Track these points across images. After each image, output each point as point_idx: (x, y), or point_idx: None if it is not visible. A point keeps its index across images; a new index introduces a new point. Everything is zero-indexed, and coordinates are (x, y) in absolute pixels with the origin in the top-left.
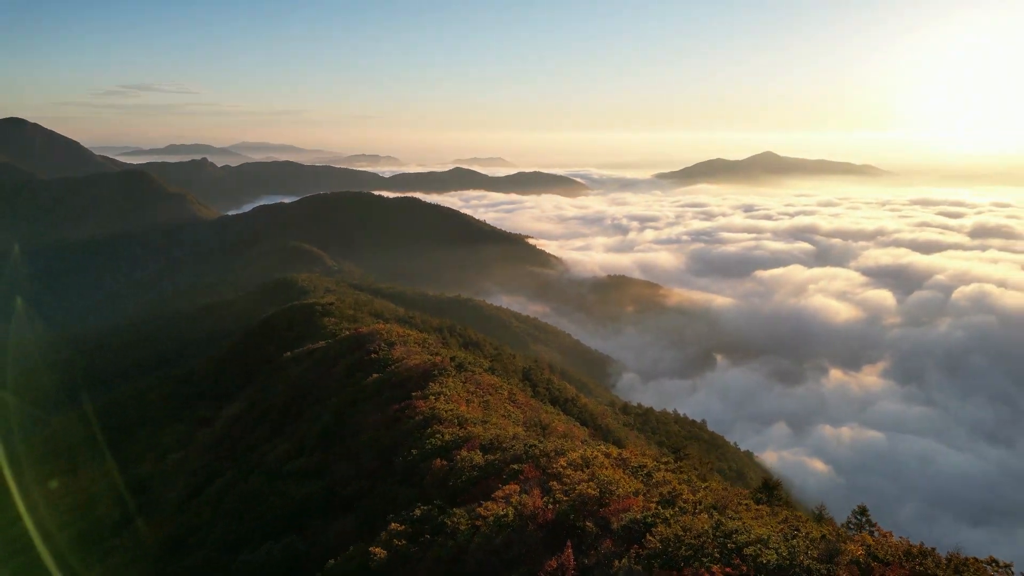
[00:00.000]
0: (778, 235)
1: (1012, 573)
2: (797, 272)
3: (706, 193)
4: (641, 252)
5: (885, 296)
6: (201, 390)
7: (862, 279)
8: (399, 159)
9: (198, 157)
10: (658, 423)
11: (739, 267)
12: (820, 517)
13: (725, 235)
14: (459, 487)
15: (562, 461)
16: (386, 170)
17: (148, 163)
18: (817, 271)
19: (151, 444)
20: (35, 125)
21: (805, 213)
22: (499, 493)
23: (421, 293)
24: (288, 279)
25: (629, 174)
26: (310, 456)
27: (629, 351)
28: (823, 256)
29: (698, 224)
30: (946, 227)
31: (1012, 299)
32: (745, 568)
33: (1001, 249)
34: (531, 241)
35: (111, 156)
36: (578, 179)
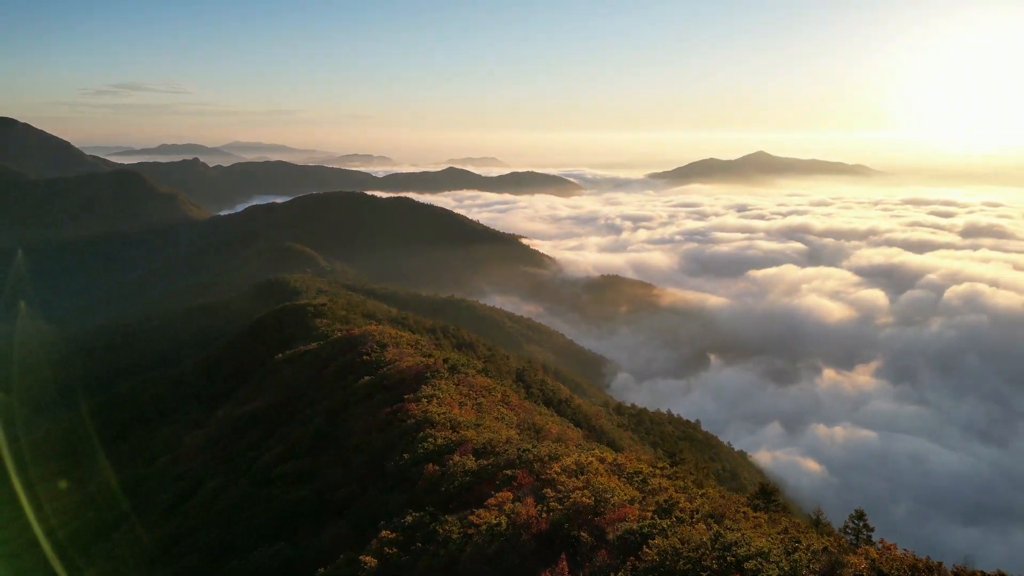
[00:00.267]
0: (771, 235)
1: None
2: (790, 272)
3: (699, 193)
4: (634, 252)
5: (878, 296)
6: (193, 392)
7: (855, 279)
8: (392, 159)
9: (190, 157)
10: (652, 424)
11: (732, 267)
12: (817, 522)
13: (718, 235)
14: (451, 493)
15: (556, 467)
16: (379, 170)
17: (140, 163)
18: (810, 271)
19: (142, 446)
20: (25, 125)
21: (798, 213)
22: (492, 500)
23: (414, 294)
24: (280, 280)
25: (622, 174)
26: (301, 460)
27: (623, 351)
28: (816, 256)
29: (691, 224)
30: (938, 227)
31: (1004, 298)
32: None
33: (992, 248)
34: (525, 241)
35: (102, 156)
36: (571, 179)
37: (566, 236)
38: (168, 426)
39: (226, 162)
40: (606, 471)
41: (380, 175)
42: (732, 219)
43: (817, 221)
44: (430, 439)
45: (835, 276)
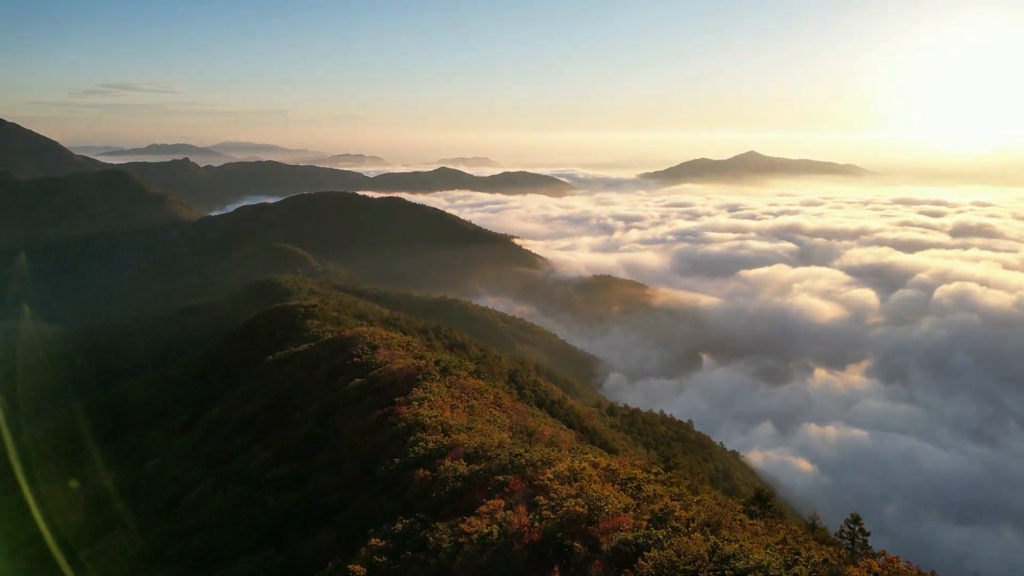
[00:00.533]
0: (762, 234)
1: None
2: (781, 271)
3: (691, 193)
4: (626, 252)
5: (868, 295)
6: (181, 394)
7: (846, 278)
8: (384, 159)
9: (180, 157)
10: (645, 424)
11: (724, 267)
12: (813, 527)
13: (710, 235)
14: (443, 498)
15: (549, 473)
16: (371, 170)
17: (129, 163)
18: (801, 270)
19: (130, 450)
20: (14, 125)
21: (789, 212)
22: (483, 508)
23: (406, 294)
24: (271, 280)
25: (614, 174)
26: (291, 464)
27: (615, 351)
28: (807, 255)
29: (683, 224)
30: (928, 226)
31: (994, 298)
32: None
33: (982, 248)
34: (517, 241)
35: (91, 156)
36: (563, 179)
37: (558, 236)
38: (157, 429)
39: (217, 162)
40: (600, 477)
41: (372, 175)
42: (724, 219)
43: (808, 221)
44: (421, 443)
45: (826, 276)
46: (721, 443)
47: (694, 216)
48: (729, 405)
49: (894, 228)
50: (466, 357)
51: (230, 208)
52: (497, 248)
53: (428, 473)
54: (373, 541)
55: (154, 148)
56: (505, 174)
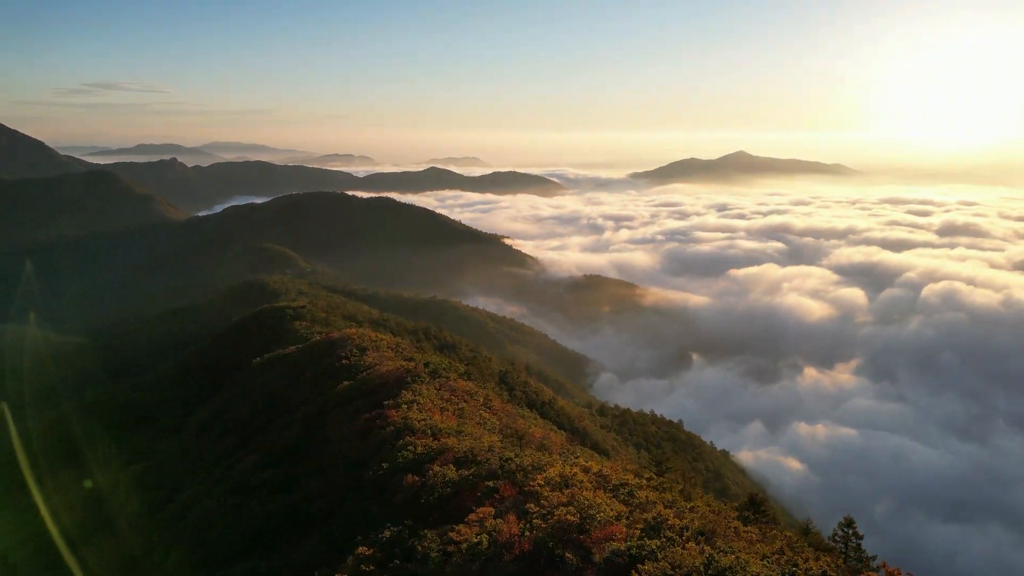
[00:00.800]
0: (751, 234)
1: None
2: (771, 271)
3: (680, 192)
4: (617, 252)
5: (857, 294)
6: (167, 397)
7: (834, 277)
8: (373, 159)
9: (167, 157)
10: (635, 424)
11: (713, 266)
12: (807, 531)
13: (699, 234)
14: (432, 504)
15: (539, 479)
16: (360, 170)
17: (116, 163)
18: (790, 270)
19: (114, 454)
20: None
21: (778, 212)
22: (473, 516)
23: (396, 295)
24: (259, 281)
25: (604, 174)
26: (278, 469)
27: (606, 351)
28: (796, 255)
29: (673, 223)
30: (915, 226)
31: (981, 297)
32: None
33: (969, 247)
34: (507, 241)
35: (77, 156)
36: (554, 179)
37: (548, 236)
38: (142, 432)
39: (205, 162)
40: (591, 483)
41: (361, 175)
42: (713, 219)
43: (797, 220)
44: (410, 447)
45: (815, 275)
46: (711, 442)
47: (684, 216)
48: (719, 404)
49: (882, 227)
50: (456, 358)
51: (218, 209)
52: (487, 248)
53: (417, 478)
54: (360, 550)
55: (141, 148)
56: (495, 174)
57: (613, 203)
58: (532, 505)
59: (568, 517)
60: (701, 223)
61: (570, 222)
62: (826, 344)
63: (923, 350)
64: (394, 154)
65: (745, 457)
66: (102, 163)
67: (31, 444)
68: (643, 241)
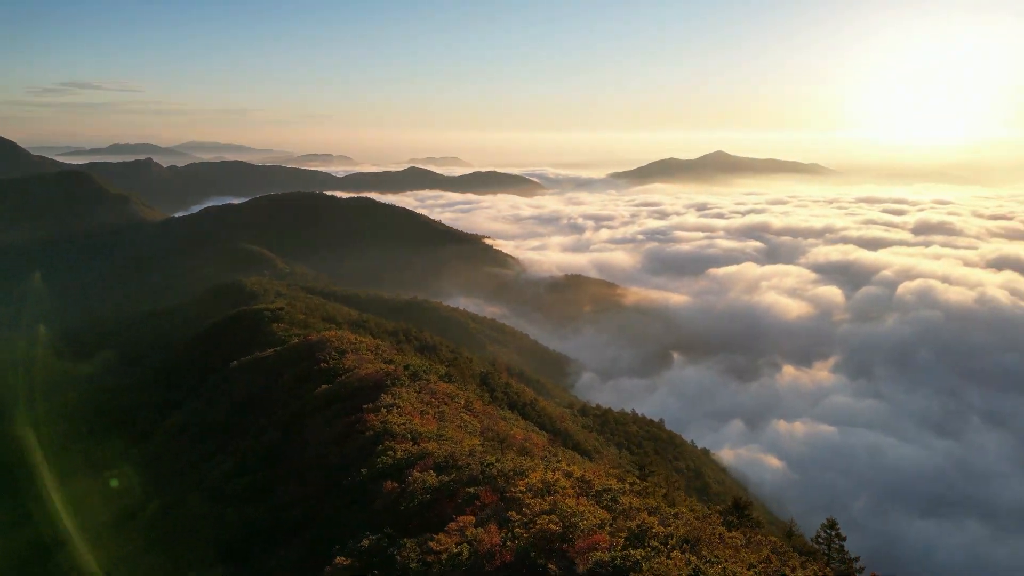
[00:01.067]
0: (730, 233)
1: None
2: (749, 270)
3: (660, 192)
4: (597, 251)
5: (834, 292)
6: (141, 401)
7: (812, 276)
8: (353, 159)
9: (143, 157)
10: (617, 424)
11: (693, 265)
12: (791, 534)
13: (679, 234)
14: (411, 512)
15: (521, 484)
16: (339, 170)
17: (90, 163)
18: (769, 268)
19: (86, 460)
20: None
21: (756, 211)
22: (453, 525)
23: (376, 296)
24: (237, 283)
25: (584, 173)
26: (254, 475)
27: (587, 350)
28: (774, 254)
29: (652, 223)
30: (891, 224)
31: (955, 294)
32: None
33: (943, 245)
34: (488, 241)
35: (50, 156)
36: (534, 179)
37: (529, 236)
38: (116, 437)
39: (181, 162)
40: (574, 490)
41: (340, 175)
42: (692, 218)
43: (775, 219)
44: (389, 452)
45: (793, 273)
46: (692, 441)
47: (663, 215)
48: (699, 403)
49: (858, 226)
50: (437, 360)
51: (194, 209)
52: (468, 248)
53: (396, 485)
54: (338, 560)
55: (116, 148)
56: (475, 174)
57: (593, 203)
58: (514, 513)
59: (551, 526)
60: (681, 222)
61: (550, 222)
62: (804, 342)
63: (899, 347)
64: (374, 154)
65: (726, 455)
66: (75, 163)
67: (2, 451)
68: (623, 241)
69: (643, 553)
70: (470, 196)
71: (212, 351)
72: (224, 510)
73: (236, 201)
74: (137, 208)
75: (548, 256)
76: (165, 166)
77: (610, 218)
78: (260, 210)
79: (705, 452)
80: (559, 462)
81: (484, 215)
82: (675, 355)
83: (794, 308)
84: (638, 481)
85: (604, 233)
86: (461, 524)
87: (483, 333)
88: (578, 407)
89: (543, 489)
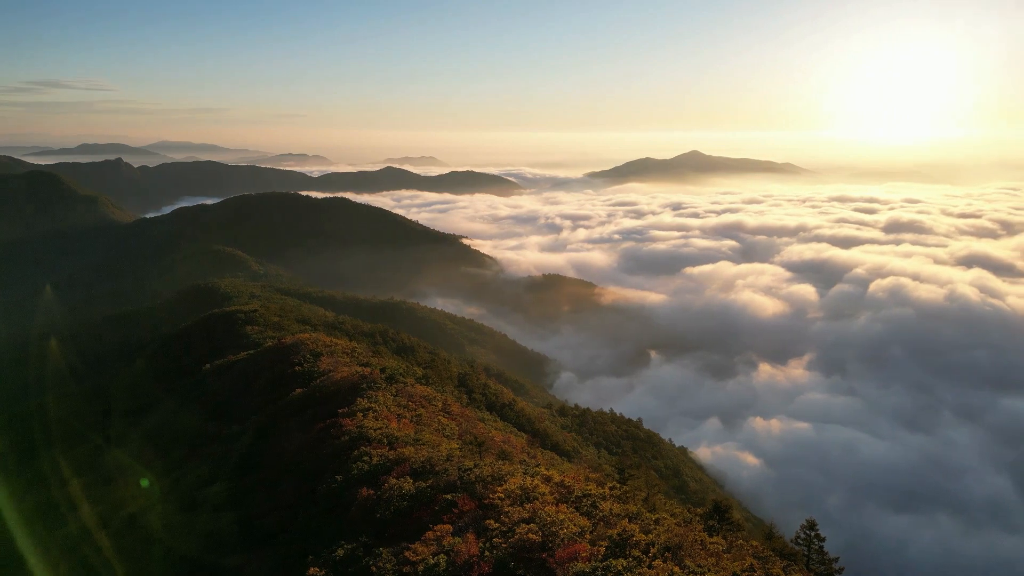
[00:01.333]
0: (706, 232)
1: None
2: (725, 268)
3: (636, 191)
4: (574, 251)
5: (808, 291)
6: (112, 407)
7: (787, 274)
8: (328, 158)
9: (113, 157)
10: (595, 424)
11: (669, 264)
12: (771, 535)
13: (655, 233)
14: (387, 519)
15: (500, 491)
16: (315, 170)
17: (58, 163)
18: (744, 267)
19: (53, 468)
20: None
21: (731, 211)
22: (430, 534)
23: (352, 297)
24: (210, 285)
25: (561, 173)
26: (227, 483)
27: (566, 350)
28: (749, 252)
29: (629, 223)
30: (862, 223)
31: (926, 292)
32: None
33: (914, 243)
34: (465, 241)
35: (17, 156)
36: (511, 178)
37: (506, 236)
38: (85, 444)
39: (152, 162)
40: (553, 496)
41: (316, 175)
42: (668, 217)
43: (749, 218)
44: (365, 458)
45: (768, 272)
46: (670, 439)
47: (639, 215)
48: (677, 401)
49: (831, 225)
50: (414, 362)
51: (167, 210)
52: (445, 248)
53: (372, 492)
54: (312, 570)
55: (85, 148)
56: (452, 174)
57: (570, 202)
58: (492, 521)
59: (530, 535)
60: (657, 222)
61: (528, 222)
62: (780, 340)
63: (872, 344)
64: (349, 154)
65: (703, 453)
66: (44, 163)
67: None
68: (600, 240)
69: (624, 563)
70: (447, 196)
71: (185, 355)
72: (196, 518)
73: (209, 202)
74: (107, 209)
75: (526, 256)
76: (136, 166)
77: (587, 218)
78: (234, 211)
79: (683, 450)
80: (538, 466)
81: (461, 215)
82: (652, 354)
83: (769, 306)
84: (618, 485)
85: (581, 233)
86: (438, 533)
87: (461, 334)
88: (557, 407)
89: (522, 496)
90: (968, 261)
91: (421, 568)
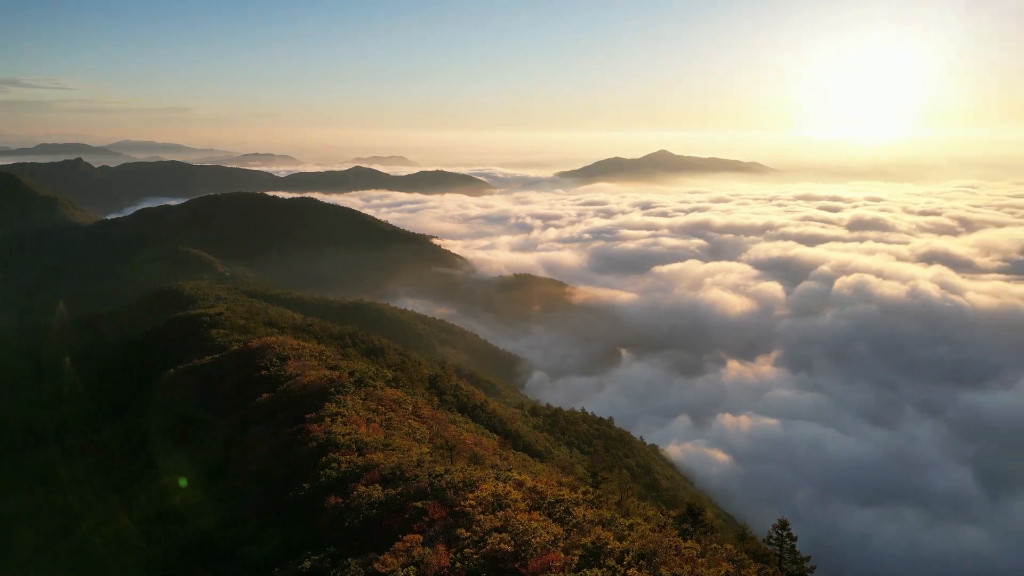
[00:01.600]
0: (674, 231)
1: None
2: (693, 267)
3: (605, 191)
4: (545, 251)
5: (775, 288)
6: (71, 414)
7: (754, 272)
8: (296, 158)
9: (73, 157)
10: (567, 424)
11: (639, 263)
12: (744, 536)
13: (625, 232)
14: (356, 528)
15: (471, 498)
16: (281, 169)
17: (16, 163)
18: (712, 265)
19: (12, 477)
20: None
21: (699, 210)
22: (400, 544)
23: (321, 298)
24: (175, 288)
25: (532, 173)
26: (192, 491)
27: (537, 350)
28: (717, 251)
29: (599, 222)
30: (827, 221)
31: (889, 288)
32: None
33: (877, 241)
34: (436, 241)
35: None
36: (481, 178)
37: (477, 236)
38: (44, 452)
39: (114, 162)
40: (525, 503)
41: (283, 175)
42: (637, 217)
43: (717, 217)
44: (333, 465)
45: (735, 270)
46: (641, 438)
47: (609, 214)
48: (647, 400)
49: (797, 223)
50: (384, 364)
51: (129, 211)
52: (415, 249)
53: (340, 500)
54: None
55: (44, 148)
56: (422, 173)
57: (541, 202)
58: (463, 530)
59: (502, 545)
60: (626, 221)
61: (498, 221)
62: (748, 337)
63: (837, 341)
64: (317, 153)
65: (673, 451)
66: (1, 164)
67: None
68: (570, 240)
69: (599, 573)
70: (417, 196)
71: (147, 360)
72: (159, 530)
73: (173, 202)
74: (67, 210)
75: (497, 256)
76: (97, 166)
77: (557, 217)
78: (198, 211)
79: (654, 448)
80: (510, 470)
81: (432, 215)
82: (623, 352)
83: (737, 304)
84: (591, 490)
85: (552, 232)
86: (408, 543)
87: (432, 334)
88: (529, 407)
89: (494, 503)
90: (929, 258)
91: None
